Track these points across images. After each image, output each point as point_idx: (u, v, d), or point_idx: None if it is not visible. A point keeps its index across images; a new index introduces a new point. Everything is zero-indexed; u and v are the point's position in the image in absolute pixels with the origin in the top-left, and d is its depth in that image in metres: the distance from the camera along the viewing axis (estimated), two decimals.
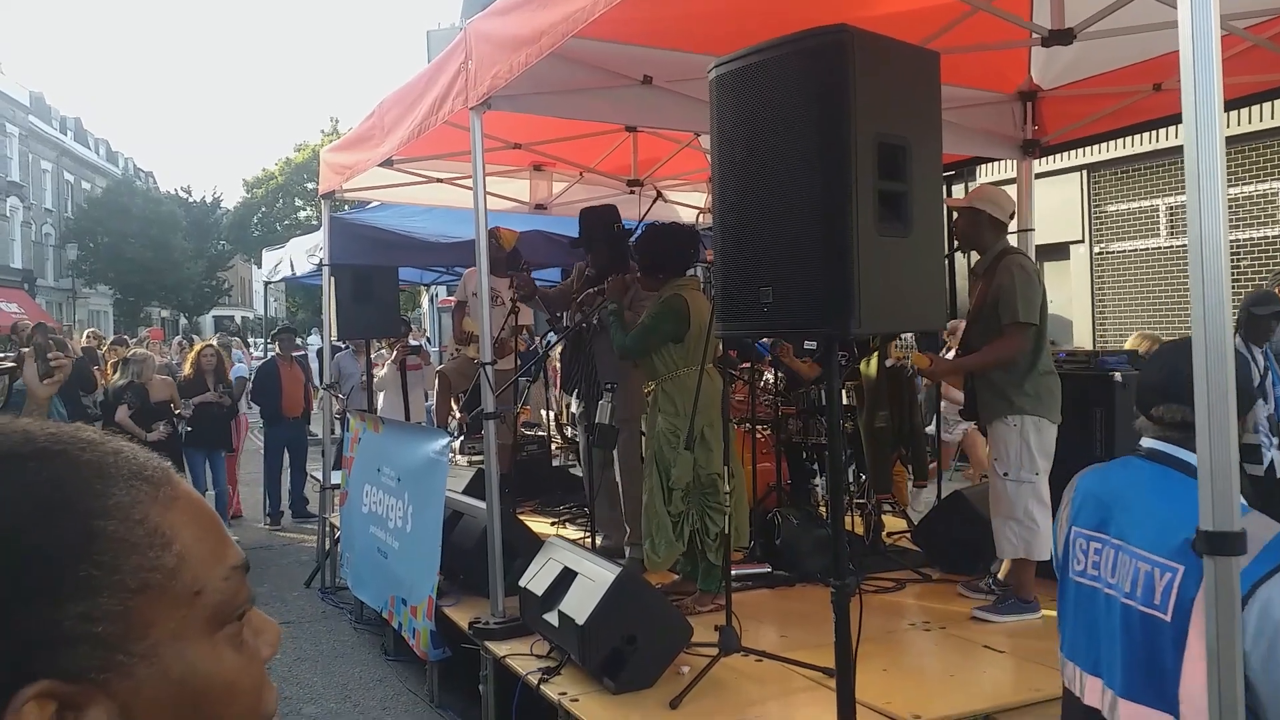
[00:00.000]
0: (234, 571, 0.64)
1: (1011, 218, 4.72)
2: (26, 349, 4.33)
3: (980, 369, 4.46)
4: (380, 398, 8.67)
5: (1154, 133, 8.29)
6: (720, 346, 4.62)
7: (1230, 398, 1.63)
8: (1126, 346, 6.76)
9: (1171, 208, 10.60)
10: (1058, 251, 11.63)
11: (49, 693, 0.53)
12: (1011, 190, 5.79)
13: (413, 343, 8.84)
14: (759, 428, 6.29)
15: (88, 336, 14.15)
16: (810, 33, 2.57)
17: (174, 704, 0.58)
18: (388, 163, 6.05)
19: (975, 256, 4.78)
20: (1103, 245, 11.53)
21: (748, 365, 6.25)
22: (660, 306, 4.70)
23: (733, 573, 4.27)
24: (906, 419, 5.53)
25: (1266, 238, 9.68)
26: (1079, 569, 2.04)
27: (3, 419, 0.62)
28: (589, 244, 5.59)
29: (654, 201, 6.74)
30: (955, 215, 4.71)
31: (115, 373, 8.43)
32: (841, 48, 2.50)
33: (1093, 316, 11.61)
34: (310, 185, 37.83)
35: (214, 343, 10.67)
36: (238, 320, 48.61)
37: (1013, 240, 5.98)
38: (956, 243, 4.81)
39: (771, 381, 6.31)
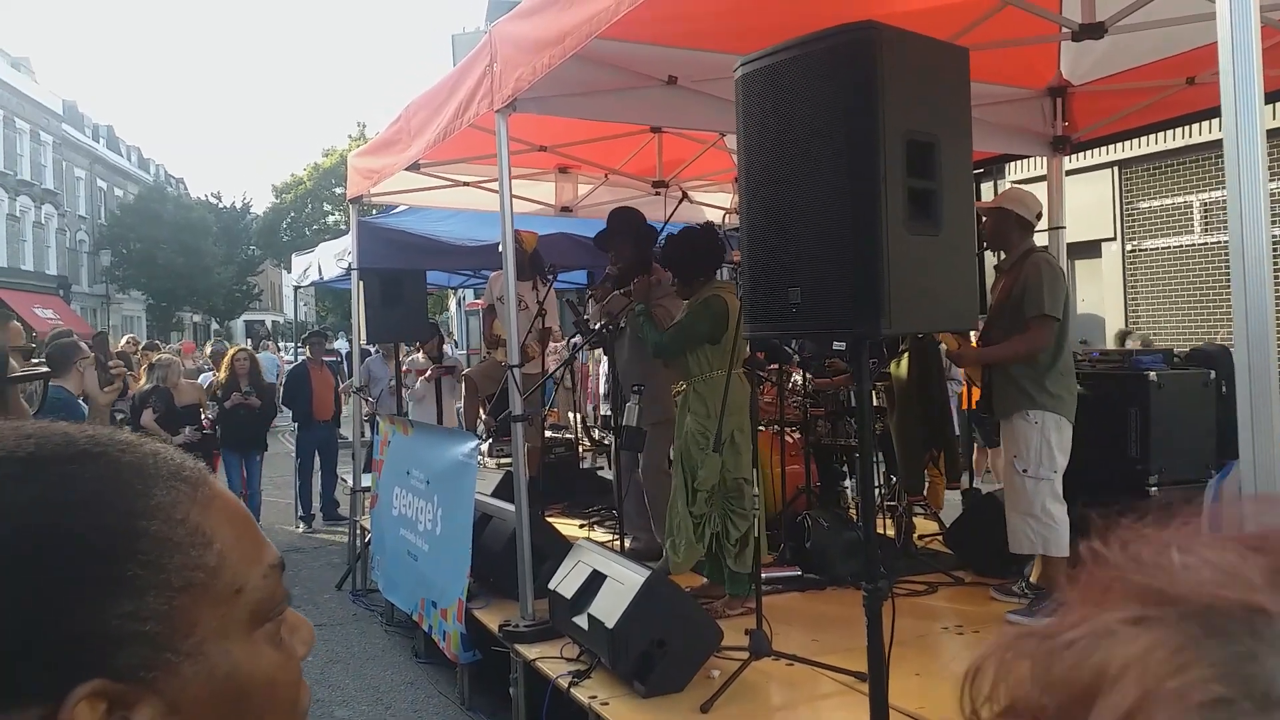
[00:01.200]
0: (271, 570, 0.64)
1: (1039, 218, 4.68)
2: (87, 358, 4.40)
3: (1004, 360, 4.43)
4: (411, 408, 8.74)
5: (1187, 128, 8.16)
6: (748, 349, 4.59)
7: (1272, 396, 1.59)
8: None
9: (1205, 204, 10.44)
10: (1089, 249, 11.49)
11: (100, 692, 0.54)
12: (1042, 187, 5.73)
13: (447, 363, 8.85)
14: (788, 430, 6.25)
15: (125, 342, 14.34)
16: (837, 29, 2.55)
17: (218, 701, 0.59)
18: (414, 166, 6.08)
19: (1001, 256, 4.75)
20: (1135, 243, 11.38)
21: (775, 367, 6.21)
22: (700, 306, 4.68)
23: (763, 576, 4.25)
24: (938, 419, 5.48)
25: None
26: None
27: (42, 422, 0.63)
28: (613, 242, 5.58)
29: (679, 202, 6.70)
30: (983, 217, 4.67)
31: (143, 378, 8.54)
32: (869, 44, 2.47)
33: (1125, 315, 11.45)
34: (338, 190, 38.12)
35: (247, 347, 10.79)
36: (268, 324, 49.09)
37: (1043, 238, 5.91)
38: (985, 244, 4.76)
39: (800, 383, 6.28)
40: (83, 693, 0.53)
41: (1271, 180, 8.29)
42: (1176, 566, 0.40)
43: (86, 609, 0.54)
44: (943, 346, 5.21)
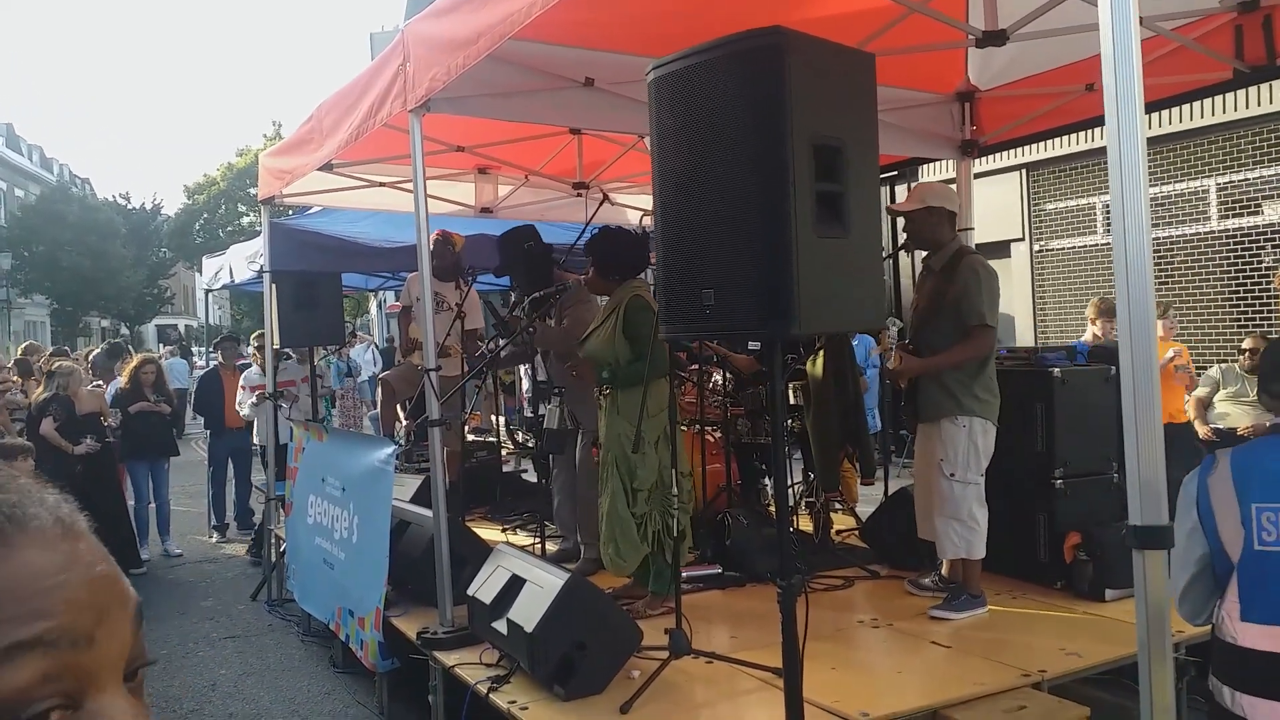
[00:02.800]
0: (14, 653, 0.49)
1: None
2: None
3: (946, 368, 4.40)
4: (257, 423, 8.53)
5: (1089, 132, 8.45)
6: (668, 349, 4.61)
7: (1153, 388, 1.66)
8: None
9: (1107, 206, 10.83)
10: (999, 250, 11.81)
11: None
12: (953, 189, 5.87)
13: (284, 378, 8.51)
14: (708, 429, 6.30)
15: (23, 350, 13.74)
16: (746, 35, 2.58)
17: None
18: (327, 167, 5.96)
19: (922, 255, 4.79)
20: (1042, 243, 11.75)
21: (696, 367, 6.26)
22: (633, 314, 4.61)
23: (683, 574, 4.27)
24: (853, 417, 5.57)
25: (1197, 234, 9.92)
26: (1269, 539, 2.17)
27: None
28: (508, 269, 5.59)
29: (600, 204, 6.73)
30: (899, 220, 4.72)
31: (40, 386, 8.19)
32: (777, 50, 2.51)
33: (1034, 313, 11.81)
34: (253, 191, 37.13)
35: (154, 357, 10.41)
36: (181, 329, 47.62)
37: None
38: (903, 243, 4.79)
39: (720, 383, 6.33)
40: None
41: (1164, 184, 8.60)
42: None
43: None
44: (891, 364, 5.24)
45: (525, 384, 9.28)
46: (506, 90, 4.59)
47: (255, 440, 9.00)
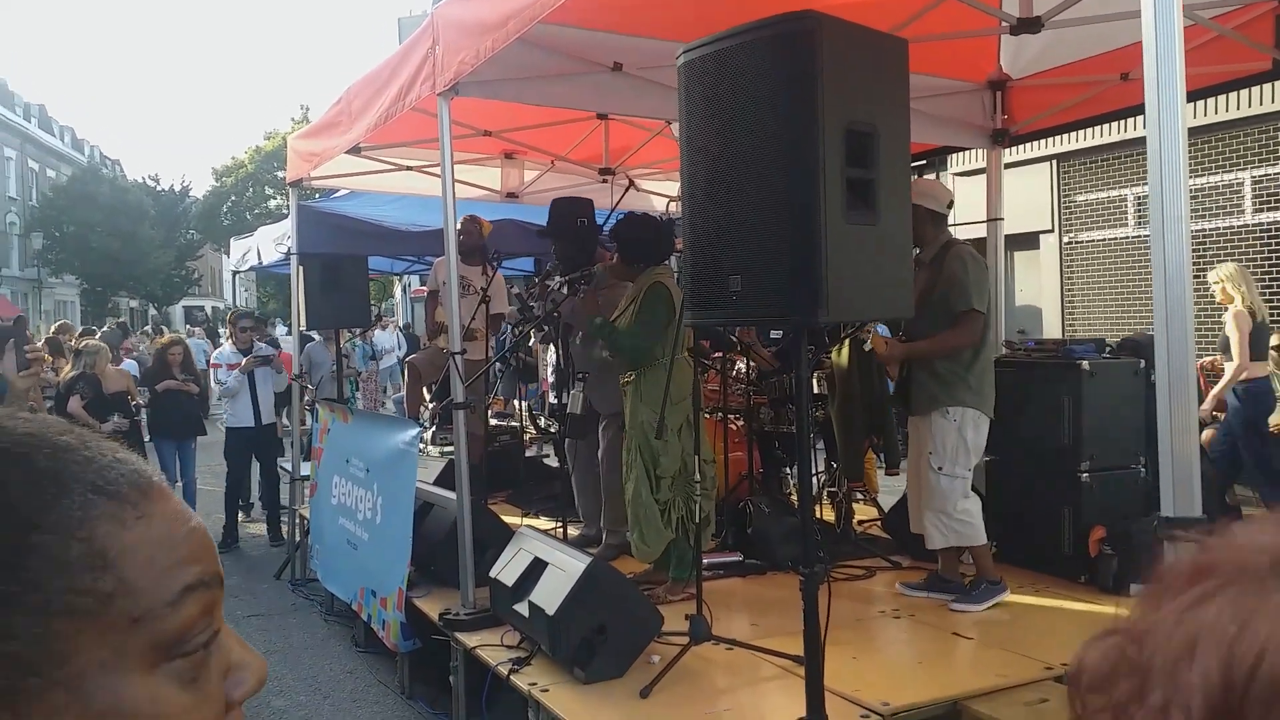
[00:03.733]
0: (187, 596, 0.57)
1: (950, 207, 4.68)
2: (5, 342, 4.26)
3: (932, 355, 4.38)
4: (227, 404, 8.41)
5: (1122, 122, 8.34)
6: (692, 336, 4.61)
7: (1189, 384, 1.64)
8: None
9: (1139, 198, 10.69)
10: (1027, 241, 11.71)
11: None
12: (982, 180, 5.82)
13: (261, 353, 8.43)
14: (731, 417, 6.29)
15: (55, 329, 13.92)
16: (778, 18, 2.56)
17: None
18: (355, 150, 5.98)
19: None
20: (1072, 235, 11.62)
21: (720, 355, 6.24)
22: (650, 297, 4.65)
23: (704, 561, 4.27)
24: (877, 407, 5.55)
25: (1231, 227, 9.79)
26: None
27: None
28: (555, 234, 5.55)
29: (626, 190, 6.71)
30: None
31: (69, 365, 8.27)
32: (810, 34, 2.49)
33: (1062, 306, 11.70)
34: (280, 174, 37.28)
35: (181, 337, 10.49)
36: (208, 310, 48.06)
37: (983, 230, 6.02)
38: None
39: (744, 371, 6.32)
40: None
41: (1201, 176, 8.50)
42: (1226, 544, 0.48)
43: None
44: (867, 346, 5.22)
45: (549, 369, 9.29)
46: (535, 74, 4.58)
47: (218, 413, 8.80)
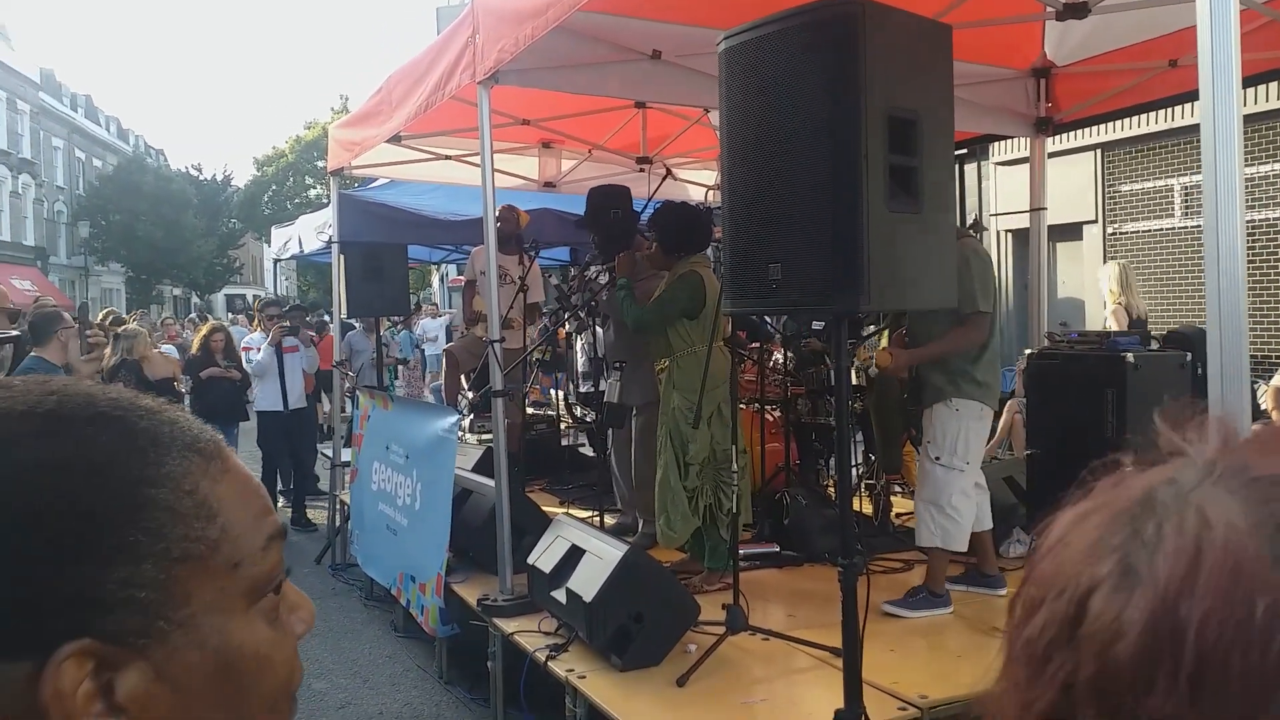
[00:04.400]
0: (271, 543, 0.64)
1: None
2: (70, 327, 4.36)
3: (939, 358, 4.31)
4: (256, 386, 8.50)
5: (1169, 110, 8.18)
6: (729, 326, 4.59)
7: (1243, 378, 1.61)
8: None
9: (1186, 188, 10.49)
10: (1071, 232, 11.53)
11: (88, 651, 0.54)
12: (1025, 169, 5.74)
13: (287, 323, 8.54)
14: (768, 408, 6.27)
15: (103, 317, 14.15)
16: (821, 4, 2.55)
17: (207, 673, 0.59)
18: (396, 139, 6.02)
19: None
20: (1116, 225, 11.43)
21: (757, 345, 6.22)
22: (677, 281, 4.68)
23: (741, 552, 4.27)
24: (915, 399, 5.49)
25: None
26: None
27: (68, 380, 0.63)
28: (591, 224, 5.55)
29: (663, 179, 6.69)
30: None
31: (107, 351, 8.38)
32: (852, 19, 2.47)
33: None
34: (320, 163, 37.75)
35: (223, 324, 10.64)
36: (249, 298, 48.71)
37: (1026, 220, 5.94)
38: (971, 223, 4.75)
39: (781, 361, 6.29)
40: (69, 650, 0.54)
41: (1250, 165, 8.35)
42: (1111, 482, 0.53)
43: (82, 571, 0.55)
44: (873, 371, 5.14)
45: (581, 358, 9.30)
46: (574, 63, 4.58)
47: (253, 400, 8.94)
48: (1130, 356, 4.72)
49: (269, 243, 16.13)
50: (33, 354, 3.90)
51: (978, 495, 4.39)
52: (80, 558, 0.55)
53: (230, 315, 29.50)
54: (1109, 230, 11.49)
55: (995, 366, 4.38)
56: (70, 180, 40.95)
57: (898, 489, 6.05)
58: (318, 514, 8.76)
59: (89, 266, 40.17)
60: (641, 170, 7.13)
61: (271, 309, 9.01)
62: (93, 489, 0.57)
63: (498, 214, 6.03)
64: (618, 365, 5.17)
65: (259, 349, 8.50)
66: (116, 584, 0.56)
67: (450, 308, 21.88)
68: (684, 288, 4.64)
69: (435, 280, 29.41)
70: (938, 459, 4.25)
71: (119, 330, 8.04)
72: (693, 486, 4.50)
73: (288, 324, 8.48)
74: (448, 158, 6.90)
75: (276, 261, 15.82)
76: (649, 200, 5.82)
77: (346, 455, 7.03)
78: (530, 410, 8.36)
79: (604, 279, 5.31)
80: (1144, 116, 8.94)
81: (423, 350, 13.40)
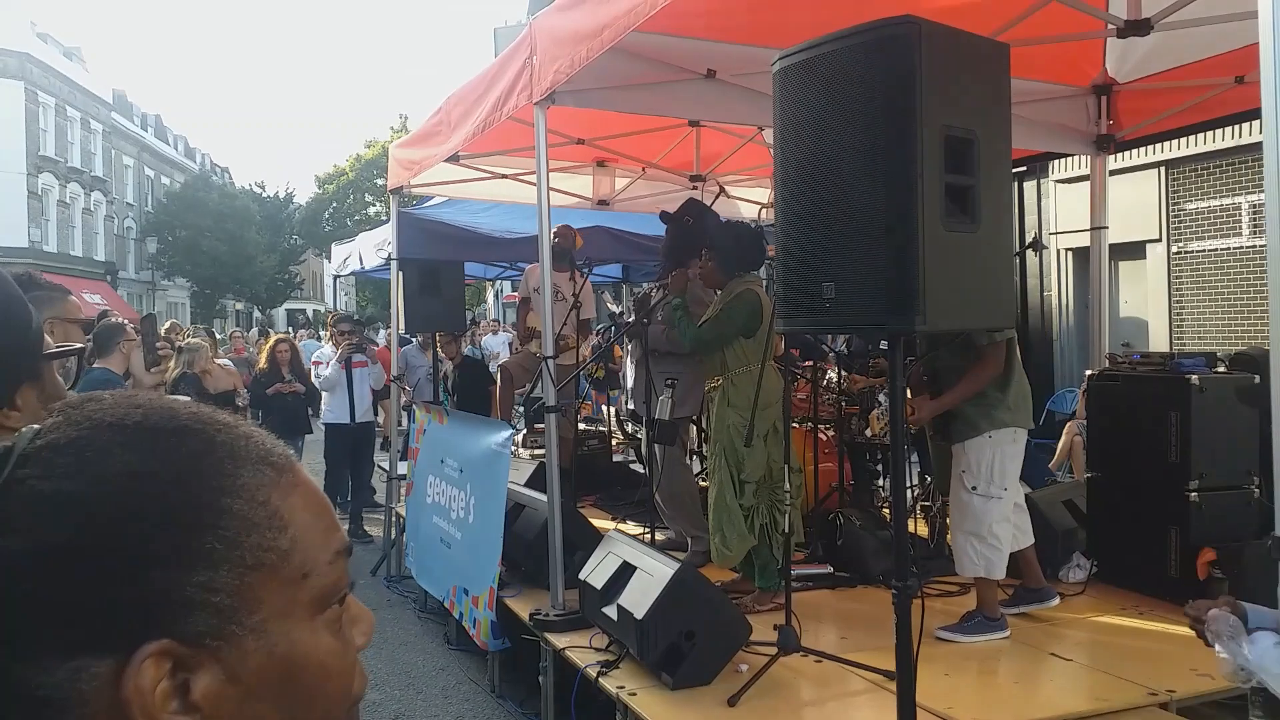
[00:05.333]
0: (338, 556, 0.67)
1: None
2: (131, 340, 4.50)
3: (966, 397, 4.23)
4: (325, 399, 8.66)
5: (1236, 127, 7.98)
6: (782, 344, 4.58)
7: None
8: None
9: (1255, 205, 10.23)
10: (1133, 250, 11.29)
11: (167, 651, 0.57)
12: (1085, 187, 5.65)
13: (353, 341, 8.72)
14: (821, 427, 6.23)
15: (166, 329, 14.54)
16: (876, 24, 2.54)
17: (273, 678, 0.62)
18: (453, 158, 6.12)
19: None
20: (1181, 244, 11.17)
21: (810, 364, 6.19)
22: (736, 300, 4.68)
23: (793, 573, 4.24)
24: None
25: None
26: None
27: (152, 394, 0.67)
28: (669, 219, 5.56)
29: (716, 197, 6.71)
30: None
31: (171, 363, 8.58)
32: (908, 39, 2.46)
33: (1170, 318, 11.25)
34: (379, 181, 38.43)
35: (288, 337, 10.87)
36: (309, 313, 49.67)
37: (1086, 239, 5.85)
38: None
39: (834, 380, 6.25)
40: (151, 650, 0.57)
41: None
42: None
43: (165, 574, 0.58)
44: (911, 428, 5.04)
45: (630, 376, 9.34)
46: (628, 83, 4.63)
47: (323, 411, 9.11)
48: (1195, 379, 4.61)
49: (329, 259, 16.46)
50: (96, 365, 4.03)
51: (1016, 516, 4.31)
52: (164, 562, 0.58)
53: (289, 329, 30.09)
54: (1173, 249, 11.24)
55: (1024, 386, 4.29)
56: (139, 197, 42.20)
57: None
58: (373, 526, 8.88)
59: (156, 281, 41.32)
60: (694, 188, 7.15)
61: (343, 324, 9.20)
62: (177, 497, 0.60)
63: (556, 232, 6.09)
64: (669, 382, 5.18)
65: (328, 363, 8.67)
66: (195, 588, 0.59)
67: (506, 323, 22.09)
68: (742, 307, 4.63)
69: (490, 296, 29.72)
70: (974, 489, 4.17)
71: (181, 343, 8.22)
72: (748, 505, 4.48)
73: (355, 340, 8.66)
74: (504, 176, 6.99)
75: (336, 277, 16.11)
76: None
77: (403, 468, 7.12)
78: (582, 426, 8.41)
79: (656, 295, 5.34)
80: (1210, 133, 8.75)
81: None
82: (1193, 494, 4.54)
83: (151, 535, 0.58)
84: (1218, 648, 2.09)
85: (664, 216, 5.63)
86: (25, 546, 0.57)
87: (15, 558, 0.57)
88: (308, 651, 0.64)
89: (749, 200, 7.80)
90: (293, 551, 0.63)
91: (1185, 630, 4.18)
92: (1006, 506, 4.18)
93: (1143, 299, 11.55)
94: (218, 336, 14.86)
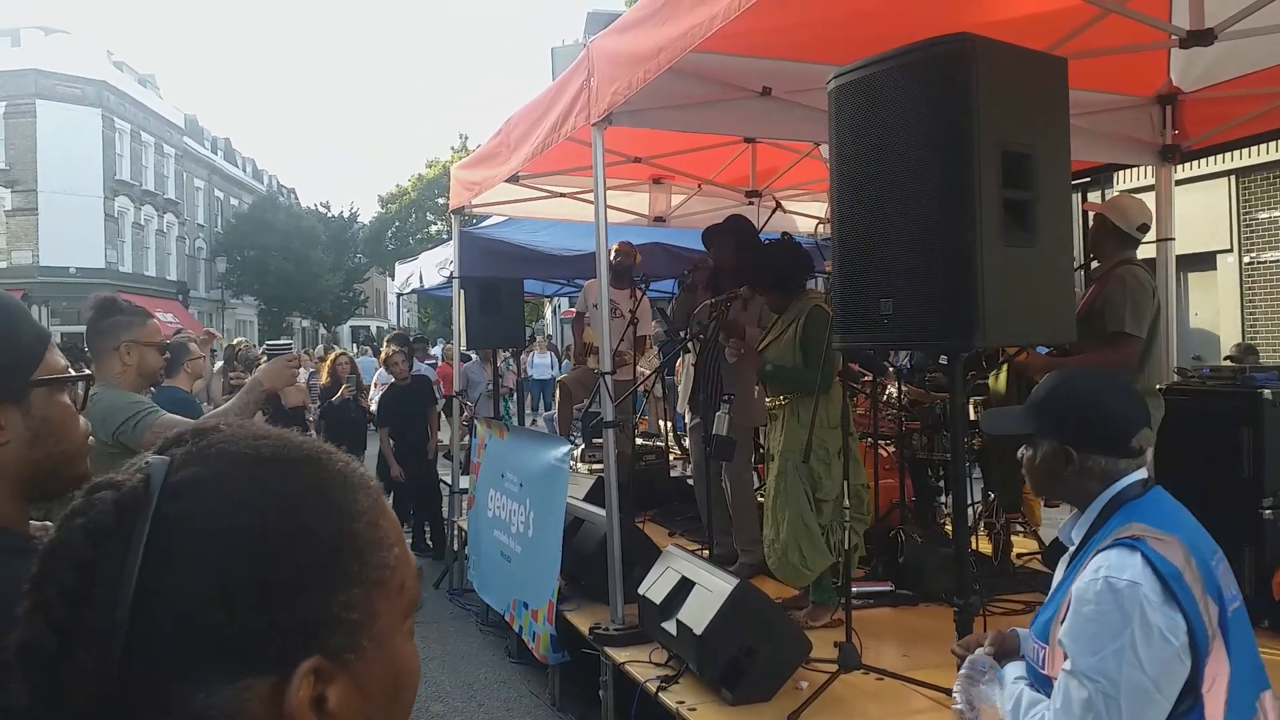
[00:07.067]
0: (419, 571, 0.73)
1: (1142, 230, 4.46)
2: (197, 358, 4.67)
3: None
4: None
5: None
6: (841, 360, 4.56)
7: None
8: None
9: None
10: (1203, 261, 11.03)
11: (317, 667, 0.62)
12: (1150, 197, 5.55)
13: (416, 374, 8.82)
14: (881, 443, 6.18)
15: (236, 343, 14.96)
16: (932, 41, 2.55)
17: (386, 685, 0.67)
18: (514, 178, 6.22)
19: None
20: (1254, 254, 10.88)
21: (870, 379, 6.15)
22: (811, 323, 4.58)
23: (854, 590, 4.22)
24: None
25: None
26: (1231, 594, 1.94)
27: (266, 427, 0.72)
28: (719, 242, 5.57)
29: (773, 212, 6.72)
30: (1090, 219, 4.58)
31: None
32: (963, 56, 2.47)
33: (1242, 330, 10.95)
34: (441, 200, 39.10)
35: (345, 351, 11.12)
36: (373, 330, 50.54)
37: (1152, 250, 5.73)
38: (1090, 252, 4.66)
39: (895, 395, 6.20)
40: (308, 666, 0.62)
41: None
42: None
43: (317, 596, 0.63)
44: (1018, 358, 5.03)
45: (683, 385, 9.36)
46: (685, 102, 4.67)
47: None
48: (1268, 393, 4.50)
49: (392, 277, 16.80)
50: (165, 383, 4.20)
51: None
52: (316, 585, 0.63)
53: (355, 345, 30.66)
54: (1245, 259, 10.95)
55: (1147, 401, 4.22)
56: (210, 218, 43.44)
57: (1019, 528, 5.87)
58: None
59: (225, 300, 42.44)
60: (751, 203, 7.17)
61: (396, 350, 9.39)
62: (321, 524, 0.65)
63: (617, 249, 6.15)
64: (726, 398, 5.19)
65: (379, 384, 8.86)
66: (339, 607, 0.64)
67: (562, 339, 22.26)
68: (822, 326, 4.53)
69: (548, 312, 29.98)
70: None
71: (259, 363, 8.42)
72: (826, 523, 4.46)
73: (416, 376, 8.82)
74: (561, 195, 7.09)
75: (399, 295, 16.42)
76: (759, 232, 5.85)
77: (464, 483, 7.23)
78: (639, 441, 8.45)
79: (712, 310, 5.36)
80: None
81: (526, 380, 13.76)
82: (1267, 511, 4.42)
83: (306, 561, 0.63)
84: (954, 693, 2.07)
85: (706, 236, 5.64)
86: (193, 581, 0.61)
87: (182, 592, 0.61)
88: (405, 657, 0.69)
89: (806, 215, 7.78)
90: (396, 566, 0.69)
91: (1262, 652, 4.08)
92: None
93: (1213, 311, 11.26)
94: None
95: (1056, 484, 2.10)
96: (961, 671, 2.11)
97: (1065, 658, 1.85)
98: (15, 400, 1.16)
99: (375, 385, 9.32)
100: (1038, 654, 1.99)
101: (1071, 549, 2.05)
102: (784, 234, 5.34)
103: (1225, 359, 8.63)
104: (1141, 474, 2.05)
